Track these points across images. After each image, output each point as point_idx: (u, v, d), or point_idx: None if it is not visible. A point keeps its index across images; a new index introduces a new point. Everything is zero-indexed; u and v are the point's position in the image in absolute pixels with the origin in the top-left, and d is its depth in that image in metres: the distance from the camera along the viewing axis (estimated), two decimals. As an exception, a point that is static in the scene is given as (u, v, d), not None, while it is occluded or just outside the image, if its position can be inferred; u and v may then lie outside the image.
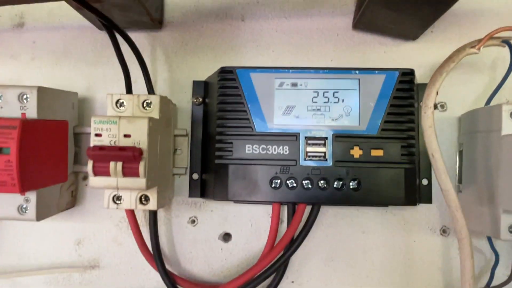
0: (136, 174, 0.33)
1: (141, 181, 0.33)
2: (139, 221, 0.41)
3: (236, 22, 0.46)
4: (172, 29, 0.46)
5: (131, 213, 0.39)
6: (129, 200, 0.37)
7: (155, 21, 0.44)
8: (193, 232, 0.43)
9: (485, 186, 0.37)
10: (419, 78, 0.42)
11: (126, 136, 0.34)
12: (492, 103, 0.39)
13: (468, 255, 0.34)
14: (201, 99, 0.43)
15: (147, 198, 0.37)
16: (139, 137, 0.34)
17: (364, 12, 0.40)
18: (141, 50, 0.43)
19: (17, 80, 0.46)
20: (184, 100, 0.45)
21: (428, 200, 0.42)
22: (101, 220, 0.44)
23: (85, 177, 0.44)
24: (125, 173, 0.33)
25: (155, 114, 0.37)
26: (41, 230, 0.45)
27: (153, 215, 0.39)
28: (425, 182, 0.42)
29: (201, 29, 0.46)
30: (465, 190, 0.41)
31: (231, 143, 0.37)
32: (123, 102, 0.37)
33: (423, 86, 0.42)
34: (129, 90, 0.39)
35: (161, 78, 0.45)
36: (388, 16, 0.39)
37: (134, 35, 0.45)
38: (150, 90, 0.40)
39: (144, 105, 0.37)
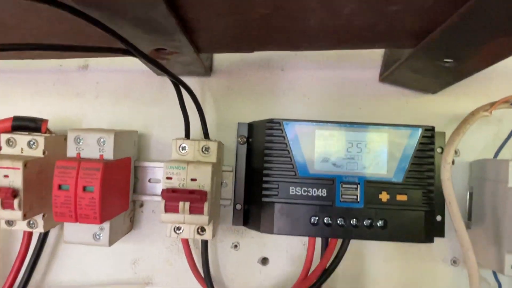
0: (201, 212, 0.39)
1: (204, 218, 0.40)
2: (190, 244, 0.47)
3: (276, 71, 0.52)
4: (220, 76, 0.52)
5: (186, 240, 0.46)
6: (188, 230, 0.43)
7: (206, 68, 0.50)
8: (235, 255, 0.50)
9: (492, 228, 0.44)
10: (437, 127, 0.49)
11: (192, 180, 0.40)
12: (501, 154, 0.46)
13: (476, 286, 0.40)
14: (245, 139, 0.50)
15: (203, 229, 0.43)
16: (204, 180, 0.40)
17: (392, 72, 0.46)
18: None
19: (82, 115, 0.52)
20: (230, 140, 0.51)
21: (441, 234, 0.48)
22: (155, 243, 0.50)
23: (142, 204, 0.51)
24: (192, 211, 0.39)
25: (213, 158, 0.43)
26: (101, 250, 0.51)
27: (205, 243, 0.46)
28: (439, 218, 0.48)
29: (245, 77, 0.52)
30: (474, 227, 0.47)
31: (277, 185, 0.43)
32: (185, 147, 0.43)
33: (440, 134, 0.48)
34: (187, 134, 0.46)
35: (210, 118, 0.51)
36: (413, 77, 0.45)
37: (186, 80, 0.51)
38: (206, 135, 0.46)
39: (203, 150, 0.44)
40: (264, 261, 0.50)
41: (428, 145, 0.43)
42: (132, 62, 0.52)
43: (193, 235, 0.43)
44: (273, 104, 0.51)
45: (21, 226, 0.45)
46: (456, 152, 0.50)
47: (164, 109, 0.52)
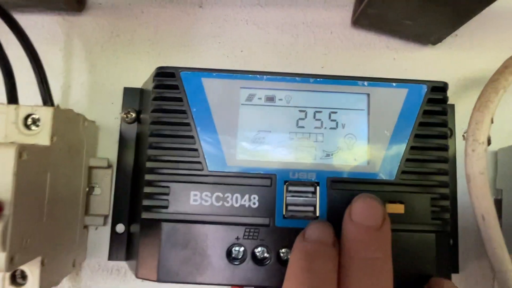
0: (-12, 246, 0.19)
1: (-2, 257, 0.19)
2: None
3: (191, 8, 0.32)
4: (98, 13, 0.32)
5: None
6: (-7, 279, 0.22)
7: (70, 0, 0.30)
8: (113, 314, 0.29)
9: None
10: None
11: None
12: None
13: None
14: (134, 115, 0.30)
15: (24, 275, 0.23)
16: None
17: (370, 2, 0.27)
18: (52, 40, 0.29)
19: None
20: (111, 116, 0.31)
21: (454, 268, 0.30)
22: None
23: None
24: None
25: (44, 139, 0.23)
26: None
27: (41, 297, 0.25)
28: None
29: (141, 16, 0.32)
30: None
31: (167, 187, 0.23)
32: (-10, 116, 0.23)
33: (448, 107, 0.30)
34: (12, 98, 0.25)
35: (77, 82, 0.31)
36: (407, 5, 0.27)
37: (41, 18, 0.31)
38: (46, 98, 0.25)
39: (28, 123, 0.23)
40: (163, 321, 0.29)
41: (439, 115, 0.24)
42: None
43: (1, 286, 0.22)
44: (185, 59, 0.32)
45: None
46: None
47: None
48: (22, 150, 0.20)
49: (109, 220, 0.29)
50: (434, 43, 0.32)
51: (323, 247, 0.20)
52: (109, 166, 0.30)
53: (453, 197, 0.30)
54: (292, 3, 0.33)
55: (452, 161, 0.30)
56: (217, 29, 0.32)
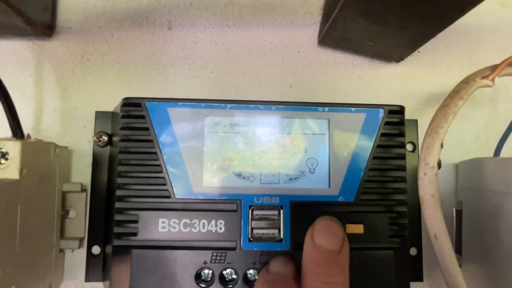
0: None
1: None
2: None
3: (161, 30, 0.33)
4: (68, 37, 0.32)
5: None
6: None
7: (38, 25, 0.30)
8: (91, 335, 0.30)
9: (500, 272, 0.27)
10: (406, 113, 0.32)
11: None
12: (504, 150, 0.29)
13: None
14: (106, 138, 0.30)
15: (-3, 305, 0.23)
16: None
17: (334, 23, 0.28)
18: (22, 65, 0.30)
19: None
20: (83, 139, 0.31)
21: (418, 277, 0.31)
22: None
23: None
24: None
25: (13, 172, 0.23)
26: None
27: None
28: (413, 251, 0.31)
29: (110, 39, 0.32)
30: (467, 264, 0.30)
31: (136, 215, 0.24)
32: (-42, 152, 0.23)
33: (410, 123, 0.32)
34: (-19, 129, 0.25)
35: (49, 106, 0.31)
36: (367, 29, 0.28)
37: (11, 43, 0.31)
38: (16, 129, 0.26)
39: (-4, 157, 0.24)
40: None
41: (395, 137, 0.26)
42: None
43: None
44: (155, 81, 0.32)
45: None
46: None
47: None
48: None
49: (85, 242, 0.30)
50: (397, 61, 0.33)
51: (284, 278, 0.21)
52: (83, 190, 0.30)
53: (417, 208, 0.31)
54: (259, 23, 0.33)
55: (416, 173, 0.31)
56: (187, 50, 0.33)
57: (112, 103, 0.30)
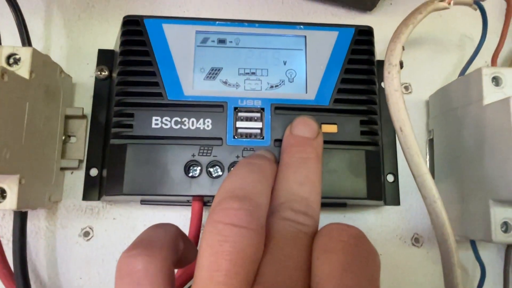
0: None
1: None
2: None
3: (159, -17, 0.37)
4: (76, -13, 0.36)
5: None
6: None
7: (52, -26, 0.34)
8: (86, 248, 0.31)
9: (466, 176, 0.29)
10: (377, 55, 0.35)
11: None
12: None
13: (455, 264, 0.25)
14: (107, 72, 0.33)
15: (4, 195, 0.25)
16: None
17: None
18: (34, 10, 0.33)
19: None
20: (86, 74, 0.34)
21: (395, 201, 0.33)
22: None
23: None
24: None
25: (24, 73, 0.26)
26: None
27: (19, 220, 0.27)
28: (390, 178, 0.33)
29: (114, -11, 0.36)
30: (439, 186, 0.33)
31: (132, 114, 0.27)
32: (-27, 56, 0.26)
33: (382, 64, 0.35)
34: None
35: (56, 45, 0.35)
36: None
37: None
38: (25, 41, 0.29)
39: (10, 62, 0.26)
40: (133, 255, 0.32)
41: (365, 53, 0.29)
42: None
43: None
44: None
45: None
46: (407, 87, 0.36)
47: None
48: (4, 72, 0.23)
49: (84, 165, 0.32)
50: (371, 8, 0.37)
51: (264, 157, 0.23)
52: (84, 116, 0.33)
53: (393, 138, 0.34)
54: (247, -22, 0.37)
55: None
56: None
57: (113, 43, 0.34)
